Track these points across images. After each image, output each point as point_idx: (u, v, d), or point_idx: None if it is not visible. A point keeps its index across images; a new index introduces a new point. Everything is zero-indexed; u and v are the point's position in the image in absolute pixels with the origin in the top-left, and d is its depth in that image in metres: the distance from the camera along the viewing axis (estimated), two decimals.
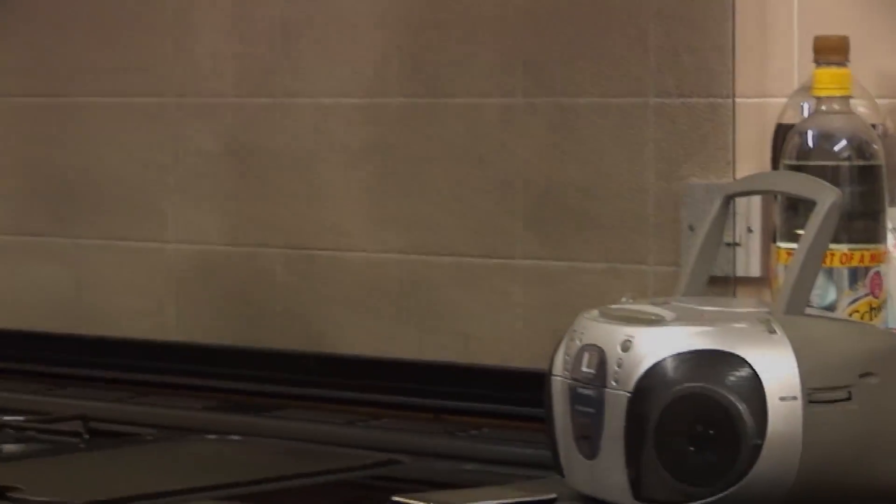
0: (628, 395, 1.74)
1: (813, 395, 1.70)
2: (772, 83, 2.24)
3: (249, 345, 2.61)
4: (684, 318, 1.78)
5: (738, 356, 1.71)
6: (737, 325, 1.75)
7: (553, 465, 1.87)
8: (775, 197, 2.11)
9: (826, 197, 1.80)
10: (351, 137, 2.53)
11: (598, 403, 1.77)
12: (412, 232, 2.48)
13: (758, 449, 1.69)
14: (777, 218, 2.09)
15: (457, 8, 2.44)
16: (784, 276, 1.93)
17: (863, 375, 1.73)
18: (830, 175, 1.95)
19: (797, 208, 2.00)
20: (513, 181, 2.41)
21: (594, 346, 1.79)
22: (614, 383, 1.76)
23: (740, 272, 2.25)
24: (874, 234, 2.01)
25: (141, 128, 2.70)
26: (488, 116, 2.43)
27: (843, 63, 2.07)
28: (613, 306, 1.87)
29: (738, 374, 1.71)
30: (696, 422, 1.71)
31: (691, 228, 2.25)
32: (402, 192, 2.49)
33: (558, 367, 1.85)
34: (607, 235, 2.34)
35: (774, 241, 2.10)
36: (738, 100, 2.26)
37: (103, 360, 2.70)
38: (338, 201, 2.54)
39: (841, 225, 1.85)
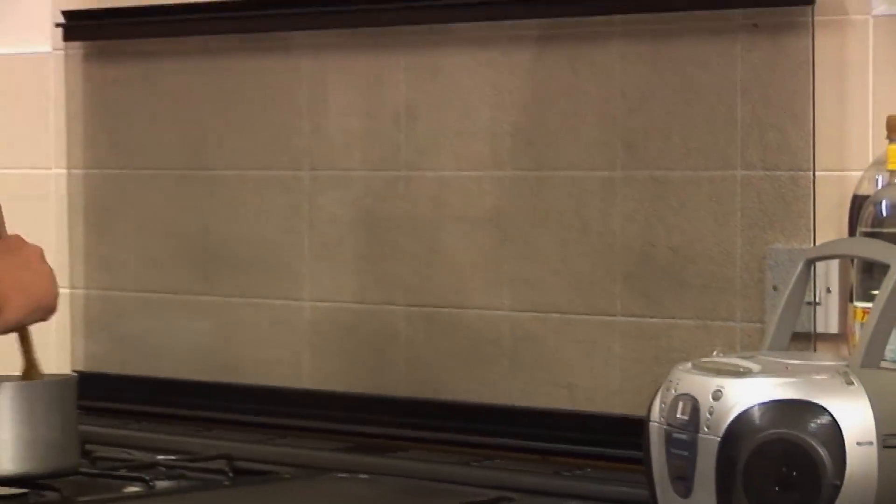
0: (719, 439, 1.74)
1: (887, 441, 1.69)
2: (849, 158, 2.22)
3: (376, 392, 2.60)
4: (770, 371, 1.77)
5: (819, 405, 1.71)
6: (817, 377, 1.74)
7: (650, 502, 1.86)
8: (852, 261, 2.10)
9: None
10: (468, 206, 2.53)
11: (692, 447, 1.77)
12: (522, 291, 2.48)
13: (837, 489, 1.68)
14: (854, 280, 2.08)
15: (562, 90, 2.44)
16: (860, 333, 1.92)
17: None
18: None
19: (872, 271, 1.99)
20: (613, 245, 2.41)
21: (688, 395, 1.79)
22: (706, 429, 1.75)
23: (820, 329, 2.23)
24: None
25: (280, 197, 2.71)
26: (591, 187, 2.42)
27: None
28: (705, 359, 1.86)
29: (819, 421, 1.70)
30: (780, 464, 1.71)
31: (775, 289, 2.24)
32: (514, 255, 2.49)
33: (655, 413, 1.84)
34: (699, 295, 2.33)
35: (851, 301, 2.09)
36: (817, 173, 2.24)
37: (245, 406, 2.71)
38: (455, 264, 2.54)
39: None
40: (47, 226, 2.92)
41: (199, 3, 2.76)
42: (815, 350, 2.21)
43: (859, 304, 2.04)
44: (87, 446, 2.38)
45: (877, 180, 2.10)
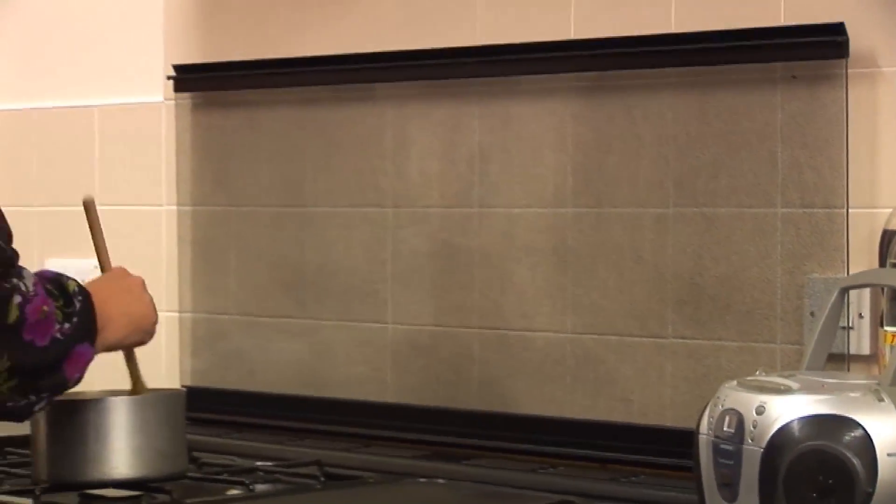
0: (762, 450, 1.73)
1: None
2: (879, 196, 2.21)
3: (451, 406, 2.60)
4: (808, 388, 1.76)
5: (852, 419, 1.70)
6: (851, 394, 1.73)
7: None
8: (882, 289, 2.09)
9: None
10: (534, 240, 2.53)
11: (737, 457, 1.76)
12: (584, 316, 2.47)
13: (869, 496, 1.67)
14: (884, 306, 2.06)
15: (619, 135, 2.44)
16: (890, 354, 1.91)
17: None
18: None
19: None
20: (665, 275, 2.40)
21: (734, 409, 1.78)
22: (750, 441, 1.74)
23: (853, 350, 2.22)
24: None
25: (366, 231, 2.72)
26: (645, 223, 2.42)
27: None
28: (749, 378, 1.86)
29: (852, 434, 1.69)
30: (818, 473, 1.69)
31: (812, 314, 2.22)
32: (576, 284, 2.48)
33: (704, 426, 1.83)
34: (743, 320, 2.32)
35: (882, 326, 2.08)
36: (851, 210, 2.23)
37: (334, 417, 2.71)
38: (523, 291, 2.54)
39: None
40: (159, 256, 2.94)
41: (296, 59, 2.77)
42: (848, 370, 2.19)
43: (889, 329, 2.03)
44: (194, 453, 2.39)
45: None
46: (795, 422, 1.72)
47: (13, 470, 2.38)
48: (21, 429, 2.27)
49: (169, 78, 2.92)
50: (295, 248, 2.79)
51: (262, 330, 2.83)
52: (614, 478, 2.32)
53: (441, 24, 2.63)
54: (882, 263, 2.10)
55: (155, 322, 2.03)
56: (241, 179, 2.86)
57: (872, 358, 2.19)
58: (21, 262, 1.81)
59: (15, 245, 1.84)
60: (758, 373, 1.88)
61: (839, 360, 2.19)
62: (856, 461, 1.68)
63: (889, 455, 1.68)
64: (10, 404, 1.77)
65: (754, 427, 1.74)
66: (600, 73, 2.46)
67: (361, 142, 2.71)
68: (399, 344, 2.68)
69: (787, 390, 1.76)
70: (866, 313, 2.22)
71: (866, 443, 1.68)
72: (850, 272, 2.21)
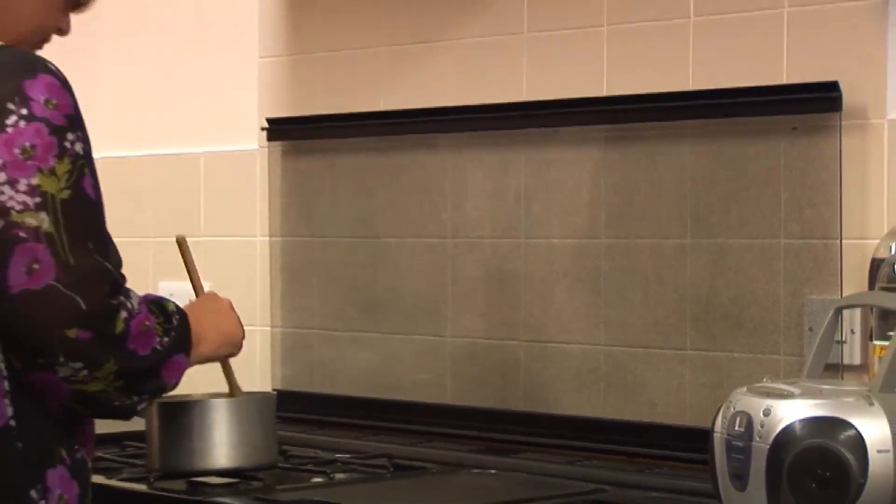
0: (768, 447, 1.72)
1: None
2: (869, 229, 2.19)
3: (501, 407, 2.59)
4: (808, 394, 1.75)
5: (847, 421, 1.68)
6: (846, 399, 1.72)
7: (714, 495, 1.84)
8: (871, 309, 2.07)
9: None
10: (571, 266, 2.52)
11: (747, 452, 1.75)
12: (614, 331, 2.46)
13: (861, 487, 1.66)
14: (873, 323, 2.05)
15: (644, 177, 2.43)
16: (879, 365, 1.89)
17: None
18: None
19: (887, 317, 1.97)
20: (684, 296, 2.39)
21: (744, 412, 1.77)
22: (758, 438, 1.73)
23: (846, 361, 2.20)
24: None
25: (428, 259, 2.71)
26: (667, 251, 2.40)
27: None
28: (757, 384, 1.84)
29: (847, 433, 1.68)
30: (817, 467, 1.68)
31: (811, 330, 2.21)
32: (607, 303, 2.47)
33: (718, 426, 1.82)
34: (751, 334, 2.31)
35: (871, 340, 2.06)
36: (844, 241, 2.21)
37: (402, 416, 2.71)
38: (562, 310, 2.53)
39: None
40: (254, 279, 2.94)
41: (369, 112, 2.77)
42: (842, 378, 2.18)
43: (878, 343, 2.01)
44: (283, 447, 2.39)
45: (890, 247, 2.07)
46: (797, 422, 1.70)
47: (130, 460, 2.38)
48: (137, 425, 2.27)
49: (263, 129, 2.93)
50: (368, 272, 2.79)
51: (341, 342, 2.83)
52: (640, 469, 2.31)
53: (492, 83, 2.63)
54: (871, 286, 2.08)
55: (242, 337, 2.03)
56: (322, 214, 2.86)
57: (863, 368, 2.18)
58: (137, 285, 1.81)
59: (132, 270, 1.84)
60: (764, 380, 1.87)
61: (834, 370, 2.17)
62: (850, 456, 1.66)
63: (879, 451, 1.66)
64: (116, 403, 1.77)
65: (762, 427, 1.73)
66: (628, 125, 2.45)
67: (424, 183, 2.71)
68: (456, 354, 2.67)
69: (790, 395, 1.75)
70: (857, 329, 2.20)
71: (859, 441, 1.66)
72: (844, 294, 2.20)
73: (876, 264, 2.08)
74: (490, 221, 2.63)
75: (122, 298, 1.72)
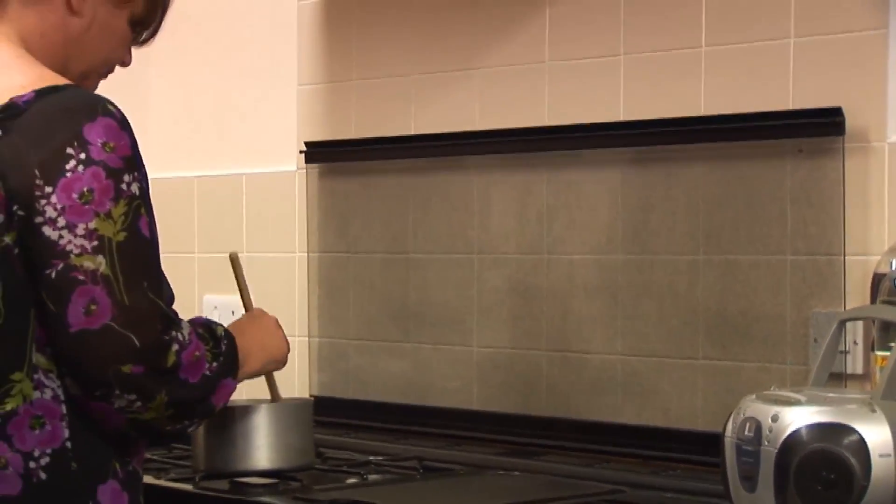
0: (776, 451, 1.71)
1: None
2: (870, 246, 2.18)
3: (525, 412, 2.59)
4: (813, 401, 1.74)
5: (850, 427, 1.68)
6: (849, 406, 1.71)
7: (725, 496, 1.83)
8: (873, 321, 2.07)
9: None
10: (590, 280, 2.52)
11: (756, 456, 1.74)
12: (631, 341, 2.46)
13: (864, 489, 1.65)
14: (875, 335, 2.04)
15: (660, 196, 2.43)
16: (880, 374, 1.88)
17: None
18: None
19: (888, 329, 1.96)
20: (696, 309, 2.38)
21: (753, 418, 1.76)
22: (767, 443, 1.72)
23: (850, 371, 2.19)
24: None
25: (456, 273, 2.71)
26: (681, 267, 2.40)
27: None
28: (765, 392, 1.83)
29: (850, 438, 1.67)
30: (822, 470, 1.67)
31: (816, 341, 2.20)
32: (624, 315, 2.47)
33: (729, 431, 1.81)
34: (760, 345, 2.30)
35: (873, 350, 2.05)
36: (847, 257, 2.21)
37: (431, 421, 2.70)
38: (582, 321, 2.53)
39: None
40: (293, 292, 2.95)
41: (401, 136, 2.78)
42: (846, 386, 2.17)
43: (879, 353, 2.00)
44: (320, 449, 2.39)
45: (891, 262, 2.06)
46: (804, 428, 1.70)
47: (177, 461, 2.39)
48: None
49: (301, 152, 2.94)
50: (400, 286, 2.79)
51: (374, 351, 2.83)
52: (655, 471, 2.30)
53: (516, 108, 2.63)
54: (873, 300, 2.08)
55: (287, 353, 2.03)
56: (357, 232, 2.87)
57: (865, 377, 2.17)
58: (182, 298, 1.81)
59: (179, 284, 1.85)
60: (772, 388, 1.86)
61: (838, 379, 2.16)
62: (853, 460, 1.65)
63: (881, 456, 1.65)
64: (168, 429, 1.77)
65: (770, 432, 1.72)
66: (644, 148, 2.45)
67: (452, 202, 2.72)
68: (482, 363, 2.67)
69: (796, 402, 1.74)
70: (860, 341, 2.19)
71: (862, 446, 1.66)
72: (847, 307, 2.19)
73: (877, 279, 2.08)
74: (514, 238, 2.63)
75: (174, 333, 1.72)
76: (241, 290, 2.18)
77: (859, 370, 2.19)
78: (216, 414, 1.83)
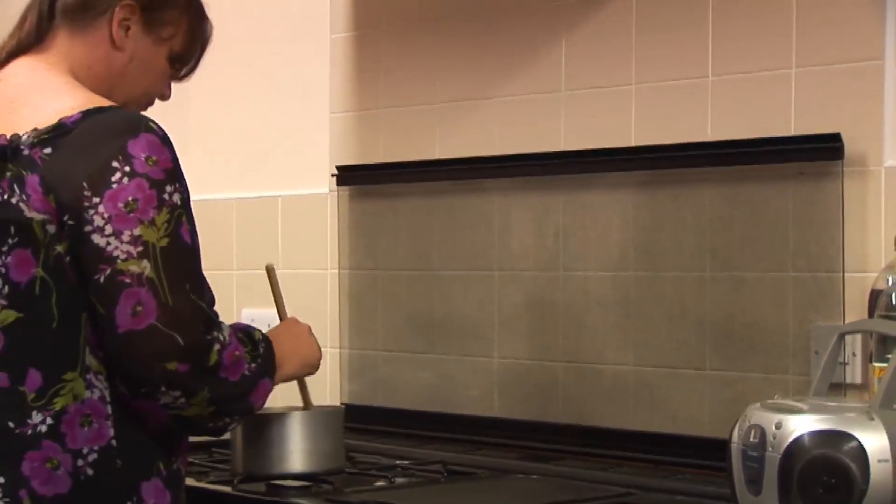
0: (780, 456, 1.70)
1: None
2: (868, 264, 2.18)
3: (542, 419, 2.58)
4: (815, 409, 1.73)
5: (850, 434, 1.67)
6: (848, 415, 1.70)
7: (731, 499, 1.82)
8: (871, 334, 2.06)
9: None
10: (604, 295, 2.51)
11: (761, 461, 1.73)
12: (642, 353, 2.45)
13: (864, 493, 1.64)
14: (872, 347, 2.03)
15: (669, 217, 2.42)
16: (878, 384, 1.87)
17: None
18: None
19: (885, 342, 1.95)
20: (704, 322, 2.37)
21: (758, 425, 1.75)
22: (771, 449, 1.71)
23: (849, 381, 2.18)
24: None
25: (478, 289, 2.71)
26: (689, 283, 2.39)
27: None
28: (769, 401, 1.82)
29: (850, 444, 1.66)
30: (823, 474, 1.66)
31: (817, 353, 2.19)
32: (636, 328, 2.46)
33: (735, 437, 1.80)
34: (764, 356, 2.29)
35: (871, 362, 2.04)
36: (846, 274, 2.20)
37: (455, 427, 2.70)
38: (597, 334, 2.52)
39: None
40: (325, 307, 2.95)
41: (425, 161, 2.78)
42: (845, 396, 2.16)
43: (877, 364, 1.99)
44: (350, 454, 2.39)
45: (888, 279, 2.06)
46: (806, 435, 1.69)
47: (217, 465, 2.39)
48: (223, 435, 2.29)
49: (333, 175, 2.94)
50: (425, 301, 2.79)
51: (401, 362, 2.83)
52: (665, 475, 2.29)
53: (533, 134, 2.63)
54: (871, 314, 2.06)
55: (319, 359, 2.03)
56: (385, 250, 2.87)
57: (864, 387, 2.15)
58: (222, 310, 1.82)
59: (219, 298, 1.85)
60: (776, 397, 1.85)
61: (838, 388, 2.15)
62: (853, 466, 1.64)
63: (879, 461, 1.64)
64: (210, 425, 1.78)
65: (774, 438, 1.71)
66: (654, 171, 2.45)
67: (474, 223, 2.71)
68: (503, 373, 2.66)
69: (799, 411, 1.73)
70: (858, 352, 2.18)
71: (861, 452, 1.65)
72: (846, 321, 2.18)
73: (875, 295, 2.07)
74: (532, 256, 2.62)
75: (215, 333, 1.73)
76: (276, 300, 2.18)
77: (858, 380, 2.18)
78: (255, 413, 1.83)
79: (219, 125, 3.20)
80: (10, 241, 1.70)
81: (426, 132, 2.80)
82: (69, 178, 1.70)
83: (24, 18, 1.88)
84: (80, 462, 1.70)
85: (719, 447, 1.89)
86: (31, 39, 1.85)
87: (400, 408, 2.80)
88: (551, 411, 2.57)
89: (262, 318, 2.85)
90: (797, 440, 1.69)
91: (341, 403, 2.83)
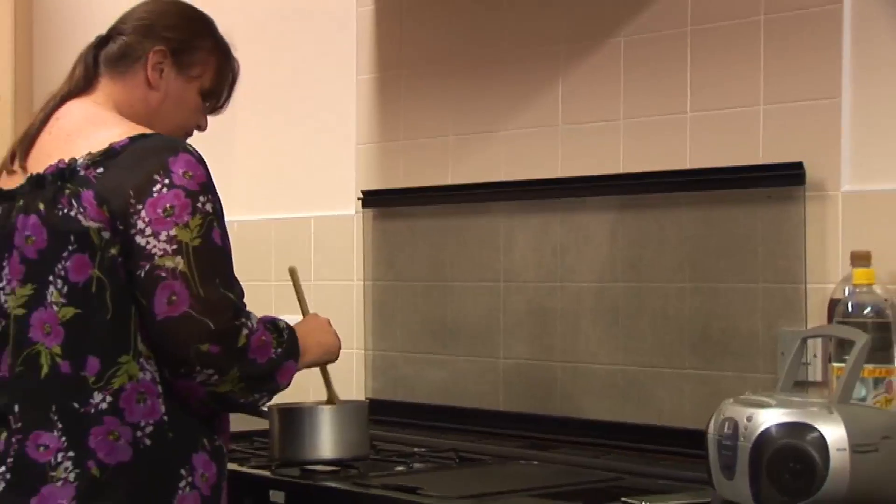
0: (751, 446, 1.70)
1: (856, 448, 1.64)
2: (828, 276, 2.17)
3: (542, 413, 2.57)
4: (781, 404, 1.73)
5: (812, 426, 1.66)
6: (811, 409, 1.70)
7: (708, 483, 1.81)
8: (830, 338, 2.05)
9: (860, 339, 1.75)
10: (596, 304, 2.51)
11: (734, 450, 1.73)
12: (629, 354, 2.45)
13: (824, 477, 1.64)
14: (831, 350, 2.02)
15: (652, 235, 2.42)
16: (836, 382, 1.87)
17: (884, 437, 1.66)
18: (862, 327, 1.89)
19: (843, 345, 1.94)
20: (684, 328, 2.37)
21: (731, 418, 1.75)
22: (743, 439, 1.71)
23: (811, 379, 2.17)
24: (888, 359, 1.95)
25: (485, 298, 2.71)
26: (671, 293, 2.39)
27: (868, 264, 2.01)
28: (741, 397, 1.82)
29: (812, 435, 1.66)
30: (789, 461, 1.66)
31: (783, 355, 2.19)
32: (624, 334, 2.46)
33: (712, 429, 1.80)
34: (737, 357, 2.28)
35: (830, 362, 2.04)
36: (808, 285, 2.19)
37: (466, 419, 2.69)
38: (589, 338, 2.52)
39: (869, 355, 1.79)
40: (352, 313, 2.95)
41: (439, 186, 2.78)
42: (808, 392, 2.15)
43: (835, 364, 1.98)
44: (374, 443, 2.39)
45: (845, 290, 2.05)
46: (774, 427, 1.68)
47: (257, 452, 2.39)
48: (262, 425, 2.29)
49: (359, 199, 2.94)
50: (439, 308, 2.79)
51: (418, 362, 2.83)
52: (650, 462, 2.28)
53: (534, 163, 2.63)
54: (830, 321, 2.06)
55: (339, 347, 2.03)
56: (404, 264, 2.87)
57: (824, 384, 2.15)
58: (258, 314, 1.83)
59: (258, 306, 1.86)
60: (747, 393, 1.85)
61: (801, 386, 2.14)
62: (815, 454, 1.64)
63: (838, 450, 1.64)
64: (241, 400, 1.79)
65: (745, 430, 1.71)
66: (639, 195, 2.44)
67: (482, 240, 2.71)
68: (508, 372, 2.66)
69: (767, 405, 1.73)
70: (819, 354, 2.18)
71: (822, 441, 1.64)
72: (809, 327, 2.18)
73: (833, 303, 2.06)
74: (533, 269, 2.62)
75: (243, 320, 1.76)
76: (299, 298, 2.19)
77: (819, 379, 2.17)
78: (281, 391, 1.84)
79: (260, 156, 3.21)
80: (70, 248, 1.74)
81: (440, 161, 2.80)
82: (119, 190, 1.74)
83: (73, 69, 1.93)
84: (138, 433, 1.73)
85: (698, 437, 1.89)
86: (80, 85, 1.90)
87: (417, 402, 2.80)
88: (550, 405, 2.57)
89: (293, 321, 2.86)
90: (766, 431, 1.68)
91: (366, 398, 2.83)
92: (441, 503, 1.94)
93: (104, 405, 1.73)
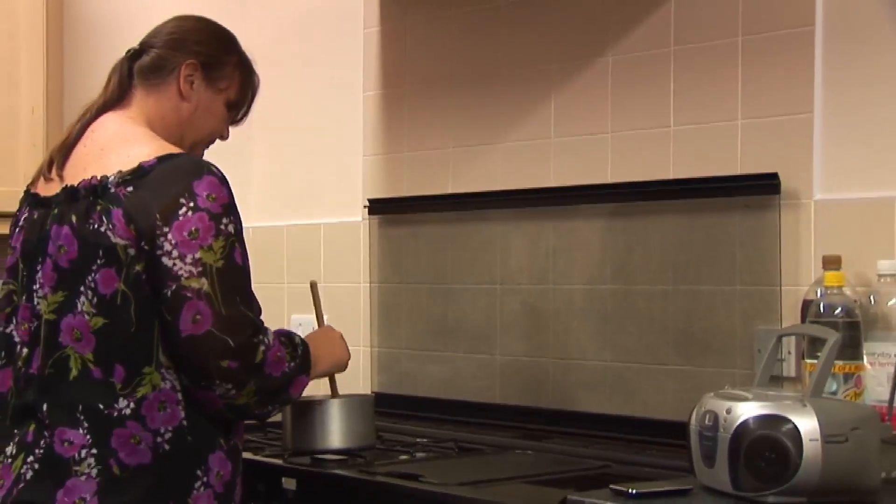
0: (730, 436, 1.69)
1: (827, 438, 1.63)
2: (801, 279, 2.17)
3: (536, 405, 2.57)
4: (758, 398, 1.72)
5: (787, 417, 1.66)
6: (786, 402, 1.69)
7: (690, 471, 1.81)
8: (803, 337, 2.05)
9: (832, 337, 1.74)
10: (586, 305, 2.51)
11: (714, 440, 1.72)
12: (617, 352, 2.45)
13: (798, 466, 1.63)
14: (804, 347, 2.02)
15: (638, 241, 2.42)
16: (809, 378, 1.87)
17: (853, 429, 1.65)
18: (833, 326, 1.89)
19: (815, 342, 1.94)
20: (668, 328, 2.37)
21: (712, 410, 1.74)
22: (722, 430, 1.71)
23: (785, 374, 2.18)
24: (857, 356, 1.96)
25: (483, 300, 2.71)
26: (656, 296, 2.39)
27: (838, 268, 2.01)
28: (721, 391, 1.81)
29: (787, 427, 1.65)
30: (765, 450, 1.66)
31: (759, 351, 2.19)
32: (612, 331, 2.46)
33: (693, 421, 1.79)
34: (717, 355, 2.29)
35: (803, 359, 2.04)
36: (783, 287, 2.20)
37: (465, 411, 2.69)
38: (579, 336, 2.52)
39: (839, 352, 1.79)
40: (359, 313, 2.95)
41: (441, 195, 2.78)
42: (782, 387, 2.15)
43: (808, 361, 1.99)
44: (380, 433, 2.39)
45: (817, 292, 2.06)
46: (751, 418, 1.68)
47: (271, 442, 2.39)
48: (276, 416, 2.28)
49: (365, 206, 2.94)
50: (440, 309, 2.79)
51: (421, 358, 2.83)
52: (636, 451, 2.28)
53: (528, 173, 2.63)
54: (803, 320, 2.06)
55: (347, 360, 2.06)
56: (407, 267, 2.87)
57: (798, 379, 2.15)
58: (274, 317, 1.83)
59: (272, 306, 1.87)
60: (726, 388, 1.84)
61: (777, 381, 2.14)
62: (789, 444, 1.64)
63: (810, 440, 1.63)
64: (256, 412, 1.80)
65: (725, 421, 1.70)
66: (627, 204, 2.45)
67: (481, 245, 2.71)
68: (504, 368, 2.66)
69: (745, 399, 1.72)
70: (793, 351, 2.18)
71: (796, 433, 1.64)
72: (783, 326, 2.18)
73: (806, 304, 2.07)
74: (527, 272, 2.62)
75: (261, 337, 1.75)
76: (316, 310, 2.19)
77: (793, 374, 2.17)
78: (294, 402, 1.84)
79: (275, 167, 3.21)
80: (98, 261, 1.74)
81: (441, 171, 2.80)
82: (146, 211, 1.74)
83: (108, 80, 1.93)
84: (158, 439, 1.73)
85: (680, 428, 1.88)
86: (114, 97, 1.90)
87: (420, 396, 2.80)
88: (543, 399, 2.57)
89: (308, 323, 2.86)
90: (744, 423, 1.68)
91: (372, 392, 2.83)
92: (441, 489, 1.94)
93: (128, 410, 1.73)
